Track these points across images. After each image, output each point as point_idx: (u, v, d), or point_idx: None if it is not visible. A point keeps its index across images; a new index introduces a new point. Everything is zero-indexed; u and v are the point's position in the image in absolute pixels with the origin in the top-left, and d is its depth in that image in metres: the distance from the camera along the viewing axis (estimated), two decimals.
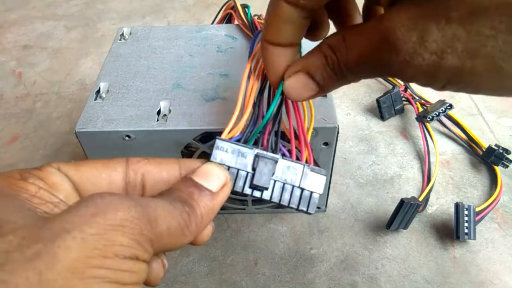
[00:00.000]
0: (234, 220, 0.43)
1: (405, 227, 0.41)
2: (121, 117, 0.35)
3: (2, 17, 0.78)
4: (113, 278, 0.15)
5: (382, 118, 0.53)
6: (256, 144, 0.26)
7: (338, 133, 0.34)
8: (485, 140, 0.49)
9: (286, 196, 0.24)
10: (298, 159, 0.25)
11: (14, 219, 0.16)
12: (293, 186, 0.24)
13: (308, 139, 0.27)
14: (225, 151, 0.24)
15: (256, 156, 0.24)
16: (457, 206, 0.40)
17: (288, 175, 0.24)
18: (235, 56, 0.41)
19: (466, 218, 0.40)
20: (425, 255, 0.40)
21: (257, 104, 0.26)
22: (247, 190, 0.24)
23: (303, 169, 0.24)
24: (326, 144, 0.35)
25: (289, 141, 0.27)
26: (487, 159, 0.47)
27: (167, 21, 0.75)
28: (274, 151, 0.26)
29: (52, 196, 0.18)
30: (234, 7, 0.48)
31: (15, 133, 0.55)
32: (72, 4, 0.81)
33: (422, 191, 0.44)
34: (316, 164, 0.27)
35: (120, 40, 0.44)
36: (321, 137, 0.35)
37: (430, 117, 0.48)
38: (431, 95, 0.55)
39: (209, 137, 0.35)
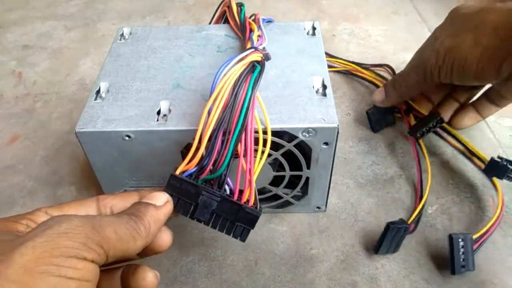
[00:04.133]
0: None
1: (394, 251, 0.39)
2: (121, 117, 0.35)
3: (2, 17, 0.78)
4: (57, 273, 0.19)
5: (373, 130, 0.52)
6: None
7: (338, 133, 0.34)
8: (485, 140, 0.49)
9: (222, 227, 0.30)
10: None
11: None
12: (229, 220, 0.30)
13: (254, 179, 0.30)
14: (177, 185, 0.29)
15: (202, 194, 0.29)
16: (451, 239, 0.37)
17: (227, 211, 0.30)
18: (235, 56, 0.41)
19: (462, 250, 0.37)
20: (425, 255, 0.40)
21: (213, 138, 0.30)
22: (191, 218, 0.30)
23: (239, 209, 0.30)
24: (326, 144, 0.35)
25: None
26: (490, 174, 0.44)
27: (167, 21, 0.75)
28: (220, 186, 0.30)
29: None
30: (229, 6, 0.47)
31: (15, 133, 0.55)
32: (72, 4, 0.81)
33: (413, 210, 0.41)
34: (255, 202, 0.31)
35: (120, 40, 0.44)
36: (321, 137, 0.35)
37: (421, 132, 0.47)
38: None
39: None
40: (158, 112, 0.35)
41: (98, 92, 0.38)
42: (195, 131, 0.34)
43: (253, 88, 0.31)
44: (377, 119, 0.51)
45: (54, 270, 0.19)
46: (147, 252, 0.27)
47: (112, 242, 0.22)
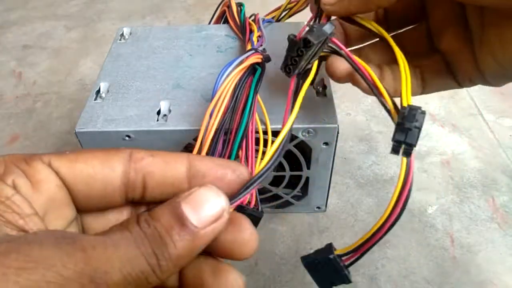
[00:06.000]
0: None
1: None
2: (121, 117, 0.35)
3: (2, 17, 0.78)
4: None
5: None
6: None
7: (338, 133, 0.34)
8: (485, 140, 0.49)
9: None
10: None
11: None
12: None
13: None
14: None
15: None
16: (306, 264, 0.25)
17: None
18: (235, 56, 0.41)
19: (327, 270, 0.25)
20: (425, 255, 0.40)
21: (214, 140, 0.30)
22: None
23: (242, 211, 0.28)
24: (326, 144, 0.35)
25: None
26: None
27: (167, 21, 0.75)
28: None
29: (26, 206, 0.17)
30: (229, 6, 0.47)
31: (15, 133, 0.55)
32: (72, 4, 0.81)
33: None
34: (256, 203, 0.30)
35: (120, 40, 0.44)
36: (321, 137, 0.35)
37: (286, 64, 0.28)
38: None
39: None
40: (158, 112, 0.35)
41: (98, 92, 0.38)
42: (195, 131, 0.34)
43: (254, 91, 0.31)
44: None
45: None
46: None
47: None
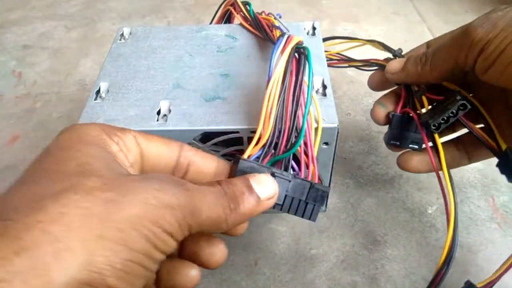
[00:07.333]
0: None
1: None
2: (121, 117, 0.35)
3: (2, 17, 0.78)
4: (151, 240, 0.19)
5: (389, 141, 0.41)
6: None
7: (338, 133, 0.34)
8: None
9: (294, 207, 0.29)
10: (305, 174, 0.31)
11: (100, 167, 0.21)
12: (300, 200, 0.29)
13: (315, 154, 0.30)
14: (247, 171, 0.28)
15: (272, 175, 0.28)
16: None
17: (298, 191, 0.29)
18: (235, 56, 0.41)
19: None
20: (425, 255, 0.40)
21: (277, 120, 0.30)
22: None
23: (310, 187, 0.29)
24: (326, 144, 0.35)
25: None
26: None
27: (167, 21, 0.75)
28: (286, 168, 0.30)
29: (125, 159, 0.23)
30: (233, 4, 0.47)
31: (15, 133, 0.55)
32: (72, 4, 0.81)
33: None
34: (320, 179, 0.30)
35: (120, 40, 0.44)
36: (321, 137, 0.35)
37: (436, 124, 0.32)
38: None
39: (208, 137, 0.35)
40: (158, 112, 0.35)
41: (98, 92, 0.38)
42: (195, 131, 0.34)
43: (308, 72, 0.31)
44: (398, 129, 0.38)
45: (151, 236, 0.19)
46: None
47: (200, 226, 0.22)
